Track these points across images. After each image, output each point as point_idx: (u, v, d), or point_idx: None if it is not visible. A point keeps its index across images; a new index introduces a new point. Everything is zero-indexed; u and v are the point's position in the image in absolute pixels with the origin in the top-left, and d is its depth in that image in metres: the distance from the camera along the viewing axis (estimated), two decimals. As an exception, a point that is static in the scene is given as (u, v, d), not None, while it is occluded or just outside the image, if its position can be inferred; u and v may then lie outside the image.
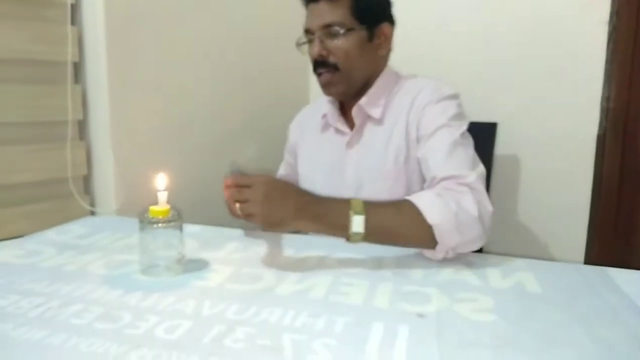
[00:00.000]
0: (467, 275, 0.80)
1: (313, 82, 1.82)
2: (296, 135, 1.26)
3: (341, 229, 0.81)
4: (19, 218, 1.12)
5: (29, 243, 0.96)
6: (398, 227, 0.84)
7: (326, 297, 0.71)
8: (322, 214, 0.81)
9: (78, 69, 1.21)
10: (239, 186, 0.78)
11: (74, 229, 1.05)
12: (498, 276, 0.80)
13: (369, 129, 1.09)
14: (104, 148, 1.21)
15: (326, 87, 1.07)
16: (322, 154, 1.17)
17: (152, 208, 0.79)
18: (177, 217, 0.81)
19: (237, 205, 0.77)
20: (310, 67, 1.07)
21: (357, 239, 0.81)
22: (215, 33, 1.47)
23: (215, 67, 1.48)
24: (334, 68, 1.03)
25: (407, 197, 0.86)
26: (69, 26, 1.16)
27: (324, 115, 1.16)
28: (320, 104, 1.21)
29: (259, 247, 0.94)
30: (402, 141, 1.04)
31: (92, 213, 1.23)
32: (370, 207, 0.81)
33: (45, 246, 0.94)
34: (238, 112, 1.58)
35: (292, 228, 0.82)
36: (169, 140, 1.36)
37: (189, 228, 0.90)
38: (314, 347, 0.57)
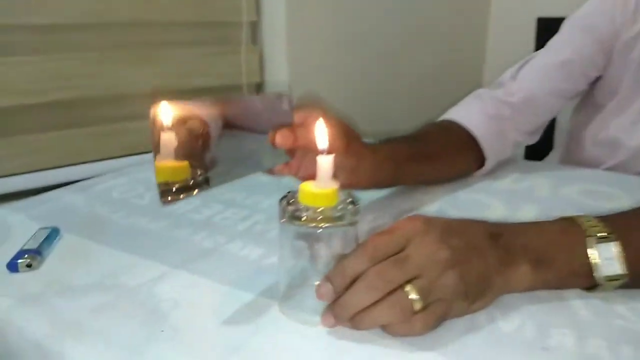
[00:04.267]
0: None
1: (490, 39, 1.62)
2: (622, 18, 0.75)
3: (576, 275, 0.42)
4: (198, 123, 1.11)
5: (214, 151, 0.93)
6: None
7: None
8: (536, 249, 0.43)
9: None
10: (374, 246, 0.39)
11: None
12: None
13: None
14: (278, 54, 1.13)
15: None
16: None
17: (307, 188, 0.40)
18: (351, 210, 0.40)
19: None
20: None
21: (612, 286, 0.42)
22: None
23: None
24: None
25: None
26: None
27: None
28: None
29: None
30: None
31: (262, 123, 1.19)
32: (622, 223, 0.43)
33: (230, 155, 0.90)
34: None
35: (503, 291, 0.42)
36: (341, 52, 1.25)
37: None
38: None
